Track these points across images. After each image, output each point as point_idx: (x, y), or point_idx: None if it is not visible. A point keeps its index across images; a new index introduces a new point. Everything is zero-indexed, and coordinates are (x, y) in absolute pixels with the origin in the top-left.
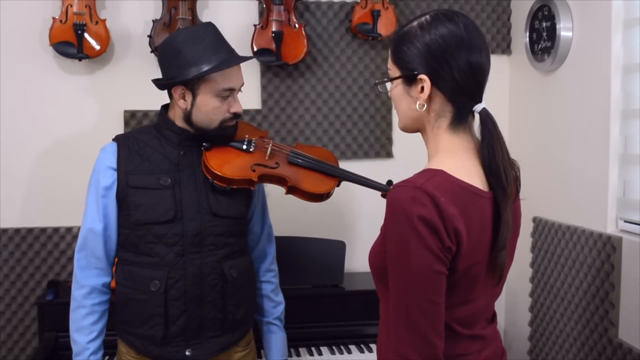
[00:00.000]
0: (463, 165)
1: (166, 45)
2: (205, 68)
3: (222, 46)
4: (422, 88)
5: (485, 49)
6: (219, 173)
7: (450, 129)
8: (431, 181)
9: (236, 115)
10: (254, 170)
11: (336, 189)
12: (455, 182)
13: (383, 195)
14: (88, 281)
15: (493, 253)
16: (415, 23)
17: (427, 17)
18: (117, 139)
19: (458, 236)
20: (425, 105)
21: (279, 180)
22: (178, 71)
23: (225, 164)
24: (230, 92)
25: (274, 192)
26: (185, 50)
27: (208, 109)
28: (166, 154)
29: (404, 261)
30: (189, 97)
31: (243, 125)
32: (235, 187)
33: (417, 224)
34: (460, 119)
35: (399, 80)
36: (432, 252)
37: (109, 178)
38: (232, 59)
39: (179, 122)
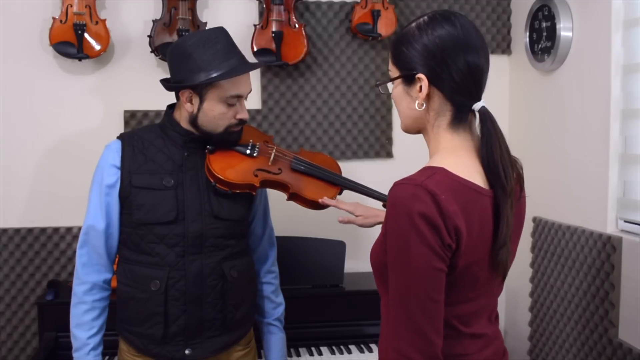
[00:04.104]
0: (463, 164)
1: (176, 48)
2: (214, 74)
3: (232, 52)
4: (421, 87)
5: (484, 48)
6: (221, 177)
7: (450, 127)
8: (432, 179)
9: (242, 122)
10: (256, 176)
11: None
12: (456, 180)
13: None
14: (89, 277)
15: (493, 251)
16: (413, 24)
17: (425, 18)
18: (121, 137)
19: (458, 234)
20: (424, 105)
21: (281, 187)
22: (187, 75)
23: (228, 168)
24: (237, 99)
25: (273, 192)
26: (196, 54)
27: (214, 114)
28: (170, 154)
29: (404, 258)
30: (196, 101)
31: (248, 129)
32: (237, 191)
33: (417, 221)
34: (460, 118)
35: (399, 81)
36: (432, 250)
37: (113, 176)
38: (241, 67)
39: (184, 124)
